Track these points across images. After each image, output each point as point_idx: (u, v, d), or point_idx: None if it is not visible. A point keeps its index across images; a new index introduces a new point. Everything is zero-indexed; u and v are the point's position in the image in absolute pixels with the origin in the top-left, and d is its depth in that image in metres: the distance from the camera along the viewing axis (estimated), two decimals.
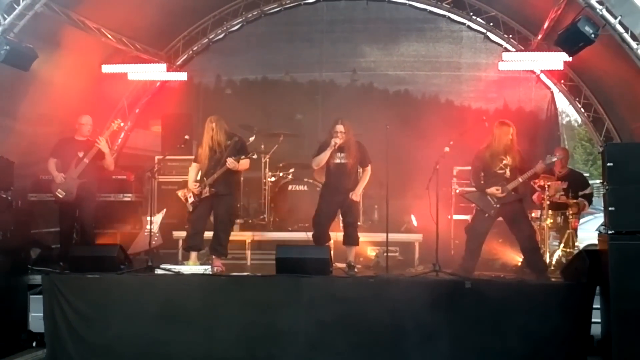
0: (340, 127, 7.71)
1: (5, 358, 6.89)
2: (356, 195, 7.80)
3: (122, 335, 7.09)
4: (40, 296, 7.29)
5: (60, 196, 8.09)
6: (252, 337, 6.98)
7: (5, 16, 7.48)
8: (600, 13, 7.08)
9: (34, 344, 7.42)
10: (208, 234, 7.94)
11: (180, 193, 7.96)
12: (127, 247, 8.48)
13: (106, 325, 7.12)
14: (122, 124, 8.34)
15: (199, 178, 7.87)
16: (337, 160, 7.78)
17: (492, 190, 7.39)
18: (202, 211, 7.82)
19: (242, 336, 6.99)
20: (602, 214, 7.29)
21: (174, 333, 7.05)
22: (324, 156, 7.73)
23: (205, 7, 11.18)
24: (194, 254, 7.83)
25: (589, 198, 8.98)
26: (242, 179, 10.13)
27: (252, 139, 8.80)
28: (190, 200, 7.79)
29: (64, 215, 8.26)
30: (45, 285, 7.27)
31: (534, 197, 8.58)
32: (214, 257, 7.83)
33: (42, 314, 7.25)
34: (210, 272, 7.46)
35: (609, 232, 6.37)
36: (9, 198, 7.25)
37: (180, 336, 7.04)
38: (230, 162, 7.60)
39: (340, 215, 8.06)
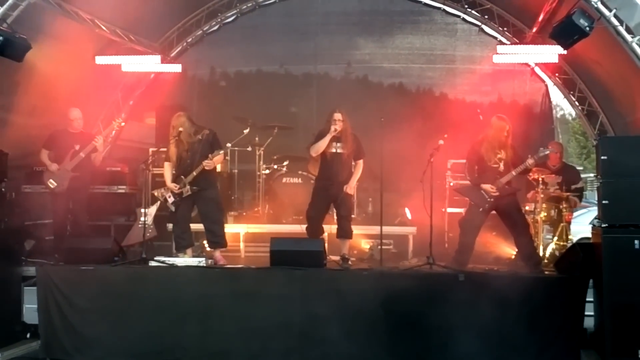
0: (338, 115, 7.69)
1: None
2: (350, 188, 7.80)
3: (115, 327, 7.08)
4: (34, 288, 7.27)
5: (52, 186, 8.06)
6: (246, 329, 6.97)
7: None
8: (595, 6, 7.08)
9: (28, 336, 7.40)
10: (195, 227, 7.96)
11: (157, 193, 7.88)
12: (121, 239, 8.48)
13: (100, 317, 7.11)
14: (122, 124, 8.30)
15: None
16: (333, 150, 7.76)
17: (487, 187, 7.39)
18: (185, 209, 7.78)
19: (236, 328, 6.98)
20: (595, 208, 7.31)
21: (168, 325, 7.04)
22: (323, 143, 7.69)
23: None
24: (188, 250, 7.84)
25: (579, 192, 8.98)
26: (235, 171, 10.15)
27: (246, 131, 8.77)
28: (171, 200, 7.73)
29: (57, 207, 8.24)
30: (39, 277, 7.25)
31: (529, 195, 8.59)
32: (212, 249, 7.83)
33: (36, 306, 7.23)
34: (205, 264, 7.45)
35: (603, 225, 6.39)
36: (3, 189, 7.25)
37: (174, 328, 7.04)
38: (207, 163, 7.55)
39: (333, 208, 8.06)
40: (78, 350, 7.12)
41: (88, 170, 8.28)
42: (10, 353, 7.01)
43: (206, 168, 7.58)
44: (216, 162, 7.83)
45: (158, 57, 10.44)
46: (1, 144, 7.60)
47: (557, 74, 10.54)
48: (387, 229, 7.92)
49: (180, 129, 7.65)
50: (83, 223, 8.32)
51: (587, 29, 7.02)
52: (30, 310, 7.34)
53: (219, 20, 11.44)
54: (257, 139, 9.78)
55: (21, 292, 7.43)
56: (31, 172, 9.13)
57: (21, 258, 7.62)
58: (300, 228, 8.14)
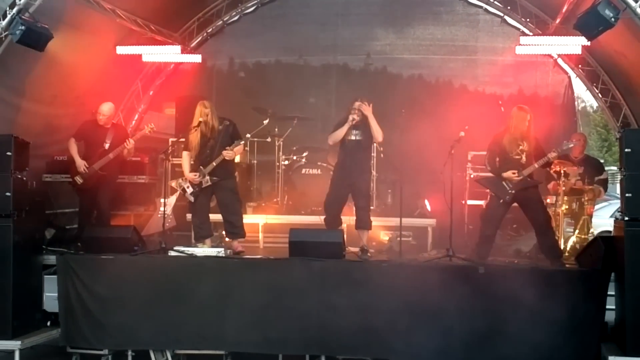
0: (359, 104, 7.66)
1: (20, 337, 6.94)
2: (365, 108, 7.60)
3: (135, 316, 7.14)
4: (55, 276, 7.34)
5: (78, 183, 8.14)
6: (264, 320, 7.00)
7: None
8: None
9: (48, 324, 7.46)
10: (214, 217, 7.98)
11: (174, 183, 7.90)
12: (141, 229, 8.50)
13: (120, 306, 7.16)
14: (154, 128, 8.34)
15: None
16: (352, 137, 7.72)
17: (509, 174, 7.33)
18: (204, 200, 7.79)
19: (254, 319, 7.01)
20: (616, 201, 7.24)
21: (186, 315, 7.08)
22: (342, 132, 7.66)
23: None
24: (207, 240, 7.85)
25: (604, 184, 8.88)
26: (255, 162, 10.15)
27: (266, 122, 8.76)
28: (189, 190, 7.74)
29: (83, 198, 8.33)
30: (59, 266, 7.32)
31: (550, 186, 8.50)
32: (231, 240, 7.84)
33: (56, 294, 7.29)
34: (224, 254, 7.46)
35: (625, 218, 6.33)
36: (24, 178, 7.27)
37: (193, 318, 7.08)
38: (227, 154, 7.55)
39: (352, 200, 8.03)
40: (98, 338, 7.19)
41: (116, 165, 8.34)
42: (30, 341, 7.07)
43: (226, 158, 7.58)
44: (236, 153, 7.84)
45: (178, 48, 10.45)
46: (22, 133, 7.61)
47: (580, 66, 10.42)
48: (406, 221, 7.88)
49: (202, 118, 7.64)
50: (106, 214, 8.37)
51: (613, 19, 6.88)
52: (50, 299, 7.40)
53: (240, 10, 11.39)
54: (276, 129, 9.78)
55: (42, 280, 7.49)
56: (52, 161, 9.18)
57: (42, 246, 7.69)
58: (319, 219, 8.12)
